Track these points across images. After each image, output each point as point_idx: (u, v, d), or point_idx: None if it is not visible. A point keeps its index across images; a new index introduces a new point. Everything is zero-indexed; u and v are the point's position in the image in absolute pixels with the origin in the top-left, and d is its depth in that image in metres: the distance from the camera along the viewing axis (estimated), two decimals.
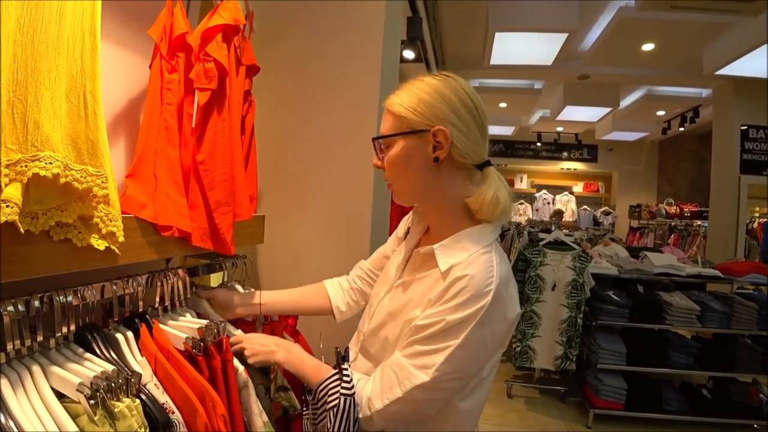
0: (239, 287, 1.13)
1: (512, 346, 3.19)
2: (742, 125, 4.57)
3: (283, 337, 1.04)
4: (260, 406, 0.78)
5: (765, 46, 3.37)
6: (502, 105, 5.70)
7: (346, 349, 0.80)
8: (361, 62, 1.44)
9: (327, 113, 1.48)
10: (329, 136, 1.48)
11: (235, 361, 0.79)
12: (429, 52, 3.35)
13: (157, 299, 0.83)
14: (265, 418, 0.78)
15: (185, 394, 0.68)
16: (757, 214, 5.16)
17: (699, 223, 6.47)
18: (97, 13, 0.67)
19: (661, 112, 6.55)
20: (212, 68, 0.91)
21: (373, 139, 0.84)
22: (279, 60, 1.50)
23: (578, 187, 8.92)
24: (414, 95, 0.78)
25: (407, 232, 0.96)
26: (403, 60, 2.70)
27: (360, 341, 0.91)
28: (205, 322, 0.82)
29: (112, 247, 0.67)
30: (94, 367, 0.62)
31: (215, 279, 1.13)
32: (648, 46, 3.94)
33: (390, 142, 0.80)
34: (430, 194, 0.82)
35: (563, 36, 3.56)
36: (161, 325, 0.78)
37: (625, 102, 5.91)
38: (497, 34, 3.58)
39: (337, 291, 1.09)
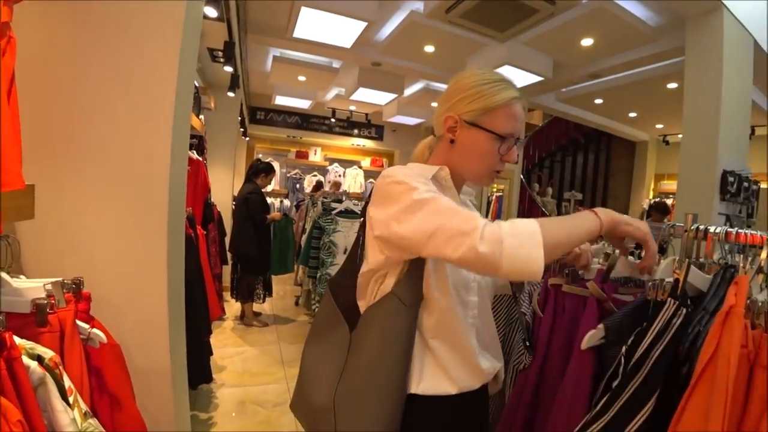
0: (5, 275, 0.91)
1: (313, 308, 3.42)
2: None
3: (75, 324, 0.90)
4: (64, 403, 0.68)
5: (506, 66, 4.43)
6: (301, 78, 5.75)
7: None
8: (160, 6, 1.26)
9: (112, 59, 1.23)
10: (114, 88, 1.24)
11: (25, 359, 0.67)
12: (232, 12, 3.13)
13: None
14: (72, 414, 0.69)
15: None
16: (495, 190, 6.86)
17: None
18: None
19: (434, 104, 7.84)
20: None
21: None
22: None
23: (366, 162, 9.81)
24: None
25: None
26: (204, 17, 2.46)
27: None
28: None
29: None
30: None
31: None
32: (429, 48, 4.63)
33: None
34: None
35: (362, 24, 3.84)
36: None
37: (409, 91, 6.78)
38: (303, 8, 3.60)
39: None
